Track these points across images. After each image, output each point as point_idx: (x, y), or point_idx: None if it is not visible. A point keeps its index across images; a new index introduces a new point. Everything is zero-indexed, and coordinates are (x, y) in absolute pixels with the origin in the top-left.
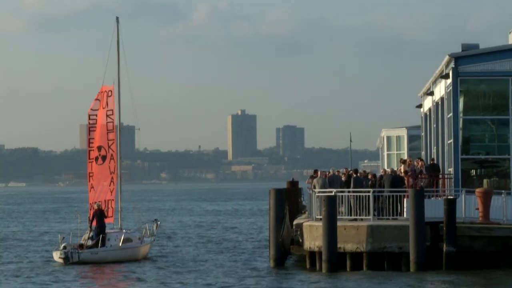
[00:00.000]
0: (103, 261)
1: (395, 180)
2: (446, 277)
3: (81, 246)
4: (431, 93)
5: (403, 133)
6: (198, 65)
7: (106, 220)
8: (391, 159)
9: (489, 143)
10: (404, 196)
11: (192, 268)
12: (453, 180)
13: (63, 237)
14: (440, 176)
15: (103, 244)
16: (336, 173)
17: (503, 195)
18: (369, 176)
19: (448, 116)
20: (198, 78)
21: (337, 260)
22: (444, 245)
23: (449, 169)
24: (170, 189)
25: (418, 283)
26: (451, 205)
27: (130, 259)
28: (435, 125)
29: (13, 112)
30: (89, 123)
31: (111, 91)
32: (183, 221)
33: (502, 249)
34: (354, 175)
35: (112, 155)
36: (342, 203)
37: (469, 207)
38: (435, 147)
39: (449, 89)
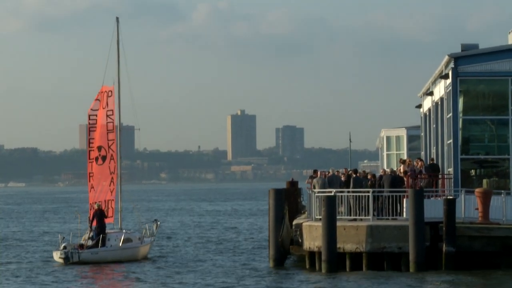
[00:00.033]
0: (103, 261)
1: (395, 180)
2: (445, 277)
3: (81, 246)
4: (431, 93)
5: (403, 133)
6: (198, 65)
7: (106, 220)
8: (391, 159)
9: (489, 143)
10: (403, 196)
11: (192, 268)
12: (452, 180)
13: (63, 237)
14: (440, 176)
15: (103, 244)
16: (336, 173)
17: (502, 195)
18: (369, 176)
19: (448, 116)
20: (198, 78)
21: (336, 260)
22: (444, 245)
23: (449, 169)
24: (170, 189)
25: (417, 283)
26: (450, 205)
27: (130, 259)
28: (434, 125)
29: (13, 112)
30: (89, 123)
31: (111, 91)
32: (183, 221)
33: (501, 249)
34: (354, 175)
35: (112, 155)
36: (341, 203)
37: (468, 207)
38: (434, 147)
39: (448, 89)
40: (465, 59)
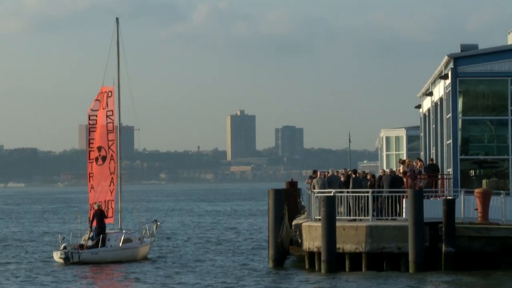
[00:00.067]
0: (103, 261)
1: (394, 180)
2: (445, 278)
3: (81, 246)
4: (430, 94)
5: (402, 133)
6: (198, 66)
7: (106, 221)
8: (390, 159)
9: (488, 143)
10: (403, 197)
11: (192, 269)
12: (452, 180)
13: (63, 237)
14: (439, 176)
15: (103, 245)
16: (335, 173)
17: (502, 196)
18: (368, 177)
19: (447, 116)
20: (198, 78)
21: (336, 261)
22: (443, 246)
23: (448, 170)
24: (169, 189)
25: (417, 283)
26: (450, 205)
27: (130, 259)
28: (434, 126)
29: (12, 113)
30: (89, 124)
31: (111, 92)
32: (182, 221)
33: (501, 249)
34: (353, 176)
35: (112, 155)
36: (341, 203)
37: (468, 208)
38: (434, 148)
39: (448, 90)
40: (464, 60)
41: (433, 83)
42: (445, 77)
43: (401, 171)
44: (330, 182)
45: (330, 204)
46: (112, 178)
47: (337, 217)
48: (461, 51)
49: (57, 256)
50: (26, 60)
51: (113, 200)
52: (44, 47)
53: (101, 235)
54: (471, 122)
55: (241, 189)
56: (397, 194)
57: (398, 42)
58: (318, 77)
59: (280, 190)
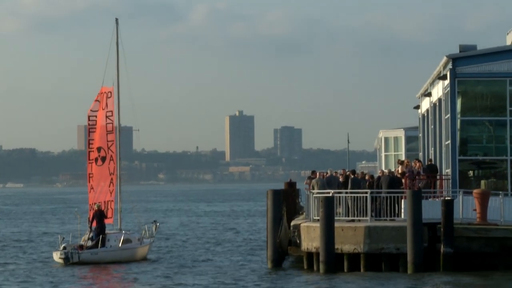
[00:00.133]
0: (103, 262)
1: (393, 181)
2: (443, 278)
3: (81, 246)
4: (429, 94)
5: (401, 134)
6: (196, 66)
7: (106, 221)
8: (389, 160)
9: (487, 144)
10: (401, 197)
11: (190, 269)
12: (450, 181)
13: (63, 238)
14: (438, 177)
15: (103, 245)
16: (334, 174)
17: (500, 196)
18: (367, 177)
19: (446, 117)
20: (196, 78)
21: (334, 261)
22: (442, 246)
23: (447, 170)
24: (168, 190)
25: (415, 284)
26: (448, 206)
27: (130, 259)
28: (432, 126)
29: (11, 113)
30: (88, 124)
31: (111, 92)
32: (181, 222)
33: (499, 250)
34: (352, 176)
35: (111, 156)
36: (339, 204)
37: (466, 208)
38: (432, 148)
39: (446, 90)
40: (463, 60)
41: (432, 83)
42: (443, 77)
43: (399, 171)
44: (328, 182)
45: (328, 205)
46: (112, 179)
47: (335, 218)
48: (460, 51)
49: (57, 256)
50: (24, 60)
51: (112, 200)
52: (42, 47)
53: (100, 236)
54: (469, 123)
55: (240, 189)
56: (396, 195)
57: (397, 42)
58: (317, 77)
59: (279, 190)
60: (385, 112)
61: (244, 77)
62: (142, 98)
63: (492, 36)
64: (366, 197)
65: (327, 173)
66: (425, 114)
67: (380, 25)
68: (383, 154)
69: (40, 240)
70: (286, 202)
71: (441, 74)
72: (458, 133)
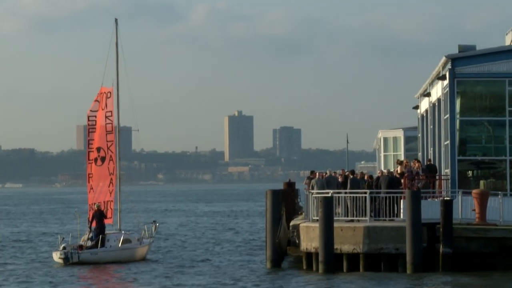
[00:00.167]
0: (102, 262)
1: (392, 181)
2: (442, 279)
3: (80, 246)
4: (428, 94)
5: (400, 134)
6: (196, 66)
7: (105, 221)
8: (388, 160)
9: (486, 144)
10: (400, 197)
11: (190, 269)
12: (449, 181)
13: (63, 238)
14: (437, 177)
15: (103, 245)
16: (333, 174)
17: (499, 196)
18: (366, 177)
19: (445, 117)
20: (196, 78)
21: (333, 261)
22: (441, 246)
23: (446, 170)
24: (167, 190)
25: (414, 284)
26: (447, 206)
27: (129, 259)
28: (431, 126)
29: (10, 113)
30: (88, 125)
31: (110, 93)
32: (181, 222)
33: (498, 250)
34: (351, 176)
35: (111, 156)
36: (338, 204)
37: (465, 208)
38: (432, 148)
39: (446, 90)
40: (462, 60)
41: (431, 84)
42: (443, 78)
43: (398, 171)
44: (328, 182)
45: (327, 205)
46: (111, 179)
47: (334, 218)
48: (459, 52)
49: (56, 256)
50: (24, 61)
51: (112, 200)
52: (42, 48)
53: (100, 236)
54: (468, 123)
55: (239, 189)
56: (395, 195)
57: (397, 42)
58: (316, 77)
59: (278, 190)
60: (384, 112)
61: (243, 77)
62: (141, 98)
63: (492, 36)
64: (365, 197)
65: (326, 173)
66: (424, 114)
67: (380, 25)
68: (382, 154)
69: (39, 240)
70: (285, 202)
71: (440, 74)
72: (457, 133)
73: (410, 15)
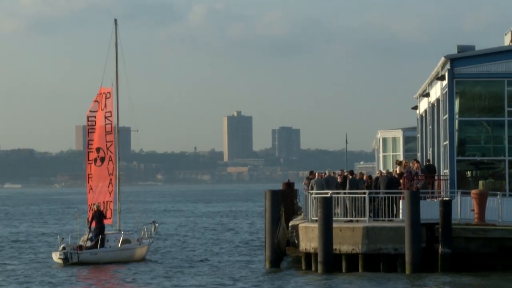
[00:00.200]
0: (102, 262)
1: (391, 181)
2: (441, 279)
3: (80, 247)
4: (427, 95)
5: (399, 134)
6: (195, 66)
7: (105, 222)
8: (387, 160)
9: (485, 144)
10: (399, 198)
11: (189, 269)
12: (448, 181)
13: (62, 238)
14: (436, 177)
15: (102, 245)
16: (332, 174)
17: (498, 197)
18: (365, 178)
19: (444, 117)
20: (194, 79)
21: (332, 262)
22: (440, 247)
23: (445, 171)
24: (166, 190)
25: (413, 284)
26: (446, 206)
27: (129, 260)
28: (430, 127)
29: (9, 113)
30: (88, 125)
31: (110, 93)
32: (180, 222)
33: (497, 250)
34: (350, 177)
35: (110, 156)
36: (337, 204)
37: (464, 209)
38: (430, 149)
39: (444, 91)
40: (461, 61)
41: (430, 84)
42: (441, 78)
43: (397, 172)
44: (327, 183)
45: (326, 205)
46: (111, 179)
47: (334, 218)
48: (458, 52)
49: (56, 256)
50: (23, 61)
51: (111, 201)
52: (41, 48)
53: (100, 236)
54: (467, 123)
55: (238, 190)
56: (394, 195)
57: (395, 43)
58: (315, 78)
59: (277, 191)
60: (383, 113)
61: (242, 77)
62: (140, 99)
63: (491, 36)
64: (364, 197)
65: (325, 173)
66: (423, 115)
67: (377, 26)
68: (381, 154)
69: (38, 240)
70: (284, 202)
71: (439, 75)
72: (456, 134)
73: (409, 16)
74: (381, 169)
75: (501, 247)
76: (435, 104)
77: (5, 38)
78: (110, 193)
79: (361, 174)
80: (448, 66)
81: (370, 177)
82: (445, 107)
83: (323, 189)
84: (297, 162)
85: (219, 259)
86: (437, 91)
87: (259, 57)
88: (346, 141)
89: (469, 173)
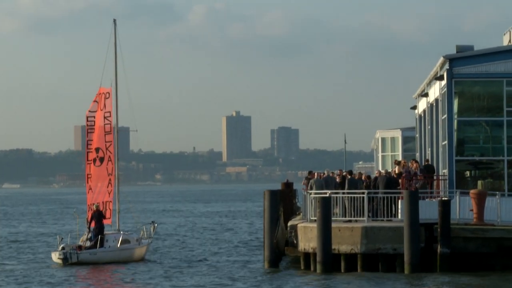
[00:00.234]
0: (101, 262)
1: (390, 181)
2: (440, 279)
3: (79, 247)
4: (426, 95)
5: (398, 134)
6: (194, 66)
7: (104, 222)
8: (386, 160)
9: (484, 144)
10: (398, 198)
11: (188, 270)
12: (447, 181)
13: (62, 238)
14: (435, 177)
15: (102, 245)
16: (331, 174)
17: (497, 197)
18: (363, 178)
19: (443, 117)
20: (193, 79)
21: (331, 262)
22: (439, 247)
23: (444, 171)
24: (165, 190)
25: (412, 284)
26: (445, 206)
27: (128, 260)
28: (429, 127)
29: (8, 113)
30: (87, 125)
31: (109, 93)
32: (178, 222)
33: (496, 250)
34: (349, 177)
35: (109, 156)
36: (336, 204)
37: (463, 209)
38: (429, 149)
39: (443, 91)
40: (460, 61)
41: (429, 84)
42: (440, 78)
43: (396, 172)
44: (325, 183)
45: (325, 205)
46: (110, 179)
47: (332, 218)
48: (457, 52)
49: (55, 256)
50: (22, 61)
51: (111, 201)
52: (40, 48)
53: (99, 236)
54: (466, 123)
55: (237, 190)
56: (393, 195)
57: (395, 43)
58: (313, 78)
59: (276, 191)
60: (382, 113)
61: (241, 77)
62: (138, 99)
63: (491, 36)
64: (363, 197)
65: (324, 173)
66: (422, 115)
67: (377, 26)
68: (380, 154)
69: (37, 240)
70: (283, 202)
71: (438, 75)
72: (455, 134)
73: (409, 16)
74: (380, 169)
75: (500, 247)
76: (434, 104)
77: (5, 38)
78: (109, 193)
79: (360, 174)
80: (447, 66)
81: (369, 177)
82: (444, 107)
83: (322, 189)
84: (295, 162)
85: (218, 259)
86: (436, 91)
87: (259, 57)
88: (345, 141)
89: (468, 173)
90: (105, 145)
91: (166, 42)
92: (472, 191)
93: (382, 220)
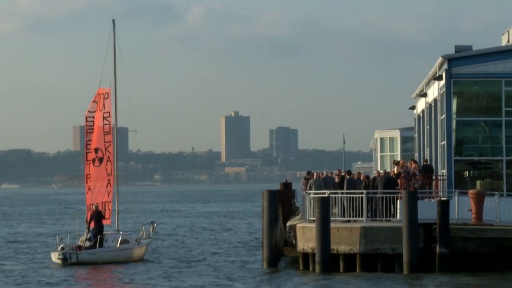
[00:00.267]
0: (101, 262)
1: (389, 181)
2: (439, 279)
3: (78, 247)
4: (425, 95)
5: (397, 134)
6: (192, 66)
7: (103, 222)
8: (385, 160)
9: (482, 144)
10: (397, 198)
11: (187, 270)
12: (446, 181)
13: (61, 238)
14: (433, 177)
15: (101, 245)
16: (329, 174)
17: (496, 197)
18: (362, 178)
19: (441, 117)
20: (192, 79)
21: (330, 262)
22: (437, 247)
23: (442, 171)
24: (164, 190)
25: (411, 285)
26: (444, 206)
27: (127, 260)
28: (428, 127)
29: (7, 113)
30: (86, 125)
31: (108, 94)
32: (177, 222)
33: (495, 250)
34: (347, 177)
35: (108, 157)
36: (335, 204)
37: (462, 209)
38: (428, 149)
39: (442, 91)
40: (458, 61)
41: (428, 84)
42: (439, 78)
43: (395, 172)
44: (324, 183)
45: (324, 205)
46: (109, 180)
47: (331, 218)
48: (456, 52)
49: (55, 257)
50: (21, 61)
51: (110, 201)
52: (39, 48)
53: (98, 236)
54: (465, 123)
55: (236, 190)
56: (391, 195)
57: (395, 43)
58: (312, 78)
59: (275, 191)
60: (381, 113)
61: (240, 77)
62: (137, 99)
63: (491, 36)
64: (362, 197)
65: (323, 173)
66: (421, 115)
67: (376, 26)
68: (378, 154)
69: (36, 241)
70: (281, 202)
71: (437, 75)
72: (453, 134)
73: (409, 16)
74: (379, 169)
75: (498, 247)
76: (433, 104)
77: (4, 38)
78: (108, 193)
79: (359, 174)
80: (445, 66)
81: (367, 177)
82: (442, 107)
83: (321, 189)
84: (294, 162)
85: (217, 259)
86: (434, 91)
87: (258, 57)
88: (344, 141)
89: (466, 173)
90: (104, 145)
91: (165, 42)
92: (470, 191)
93: (381, 220)
